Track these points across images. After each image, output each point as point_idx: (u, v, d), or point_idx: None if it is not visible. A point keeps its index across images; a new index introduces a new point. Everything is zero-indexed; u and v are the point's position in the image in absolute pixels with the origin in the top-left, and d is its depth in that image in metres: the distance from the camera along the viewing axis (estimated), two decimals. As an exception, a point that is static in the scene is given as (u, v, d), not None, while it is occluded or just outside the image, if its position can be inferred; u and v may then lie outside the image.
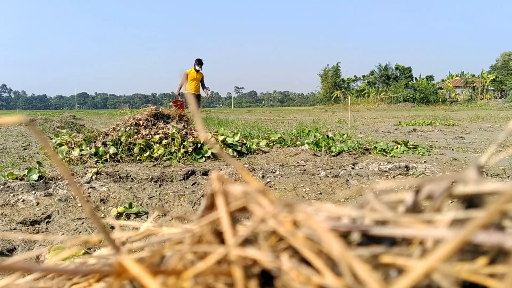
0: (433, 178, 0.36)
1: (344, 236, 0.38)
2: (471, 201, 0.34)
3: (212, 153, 4.75)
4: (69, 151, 4.71)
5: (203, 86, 12.56)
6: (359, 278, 0.30)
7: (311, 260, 0.33)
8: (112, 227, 2.14)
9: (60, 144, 4.90)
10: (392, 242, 0.36)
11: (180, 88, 12.23)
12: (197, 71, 11.92)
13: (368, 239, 0.37)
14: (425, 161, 4.51)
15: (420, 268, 0.27)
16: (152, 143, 4.84)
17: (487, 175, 3.74)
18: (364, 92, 51.88)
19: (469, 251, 0.34)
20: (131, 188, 3.25)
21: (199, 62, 12.07)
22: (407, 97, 44.58)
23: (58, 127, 8.77)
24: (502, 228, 0.34)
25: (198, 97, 12.46)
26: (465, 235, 0.27)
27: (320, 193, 3.17)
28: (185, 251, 0.35)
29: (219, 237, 0.36)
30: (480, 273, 0.31)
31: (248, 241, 0.37)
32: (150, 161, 4.52)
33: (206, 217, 0.37)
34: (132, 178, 3.58)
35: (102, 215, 2.61)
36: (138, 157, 4.62)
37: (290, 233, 0.34)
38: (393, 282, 0.29)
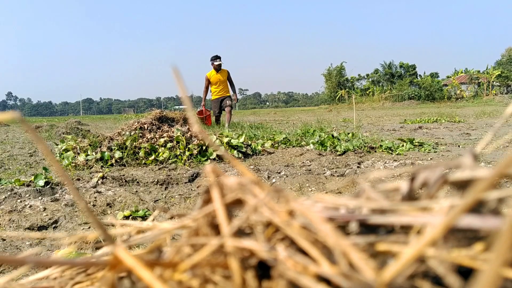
0: (428, 166, 0.36)
1: (342, 226, 0.38)
2: (467, 188, 0.34)
3: (218, 155, 4.76)
4: (75, 156, 4.73)
5: (232, 85, 10.62)
6: (354, 265, 0.30)
7: (307, 250, 0.33)
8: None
9: (66, 150, 4.93)
10: (389, 230, 0.36)
11: (204, 98, 10.60)
12: (217, 70, 10.16)
13: (366, 228, 0.37)
14: (431, 158, 4.48)
15: (408, 254, 0.27)
16: (157, 146, 4.85)
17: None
18: (368, 90, 51.75)
19: (467, 237, 0.33)
20: (137, 191, 3.26)
21: (214, 57, 10.16)
22: (412, 95, 44.40)
23: (63, 133, 8.81)
24: (498, 214, 0.34)
25: (226, 98, 10.50)
26: (449, 220, 0.27)
27: (326, 193, 3.16)
28: (182, 244, 0.35)
29: (216, 229, 0.37)
30: (477, 259, 0.31)
31: (245, 234, 0.37)
32: (156, 165, 4.53)
33: (202, 210, 0.37)
34: (138, 182, 3.59)
35: (108, 219, 2.62)
36: (143, 161, 4.64)
37: (285, 223, 0.34)
38: (385, 268, 0.29)
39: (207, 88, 10.51)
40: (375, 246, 0.34)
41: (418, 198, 0.36)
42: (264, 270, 0.35)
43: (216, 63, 10.13)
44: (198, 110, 10.54)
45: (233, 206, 0.38)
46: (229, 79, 10.59)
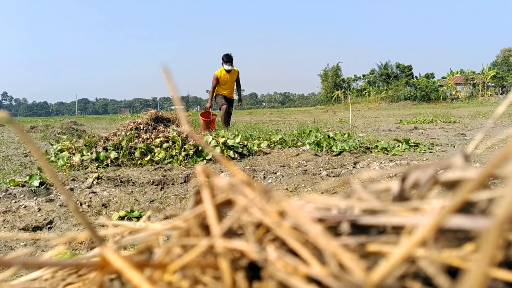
0: (419, 166, 0.36)
1: (333, 226, 0.38)
2: (457, 188, 0.34)
3: (214, 156, 4.75)
4: (70, 156, 4.71)
5: (238, 87, 9.80)
6: (344, 266, 0.30)
7: (297, 250, 0.32)
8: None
9: (61, 150, 4.90)
10: (380, 231, 0.36)
11: (211, 98, 9.44)
12: (227, 71, 9.23)
13: (357, 229, 0.37)
14: (426, 159, 4.50)
15: (397, 254, 0.27)
16: (153, 146, 4.84)
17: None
18: (364, 91, 51.88)
19: (458, 238, 0.33)
20: (132, 192, 3.25)
21: (228, 58, 9.18)
22: (408, 96, 44.53)
23: (59, 133, 8.78)
24: (489, 214, 0.34)
25: (231, 101, 9.75)
26: (437, 221, 0.27)
27: (322, 193, 3.16)
28: (172, 245, 0.35)
29: (206, 230, 0.36)
30: (467, 259, 0.31)
31: (236, 234, 0.37)
32: (151, 165, 4.52)
33: (193, 210, 0.37)
34: (133, 182, 3.58)
35: (102, 219, 2.61)
36: (139, 161, 4.62)
37: (276, 224, 0.34)
38: (375, 269, 0.29)
39: (214, 88, 9.43)
40: (366, 246, 0.34)
41: (409, 199, 0.36)
42: (254, 271, 0.34)
43: (225, 67, 9.23)
44: (203, 111, 9.48)
45: (224, 206, 0.38)
46: (237, 80, 9.70)
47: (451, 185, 0.34)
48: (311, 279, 0.31)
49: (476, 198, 0.32)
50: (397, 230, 0.35)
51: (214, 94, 9.61)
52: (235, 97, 10.00)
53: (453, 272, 0.33)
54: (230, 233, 0.35)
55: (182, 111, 0.37)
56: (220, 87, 9.47)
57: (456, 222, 0.30)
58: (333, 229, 0.37)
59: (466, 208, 0.33)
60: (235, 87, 9.84)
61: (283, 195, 0.36)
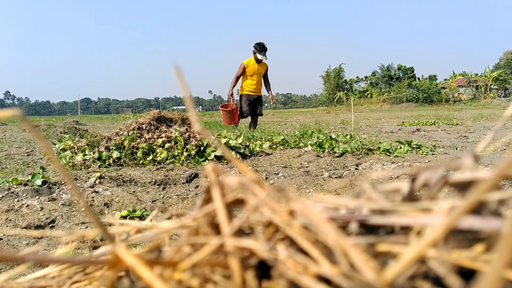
0: (429, 166, 0.36)
1: (343, 226, 0.38)
2: (467, 189, 0.34)
3: (216, 156, 4.75)
4: (73, 156, 4.72)
5: (266, 83, 8.83)
6: (355, 266, 0.30)
7: (307, 250, 0.32)
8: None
9: (64, 149, 4.91)
10: (389, 231, 0.36)
11: (232, 87, 8.49)
12: (258, 61, 8.29)
13: (366, 229, 0.37)
14: (429, 161, 4.49)
15: (409, 254, 0.27)
16: (155, 146, 4.84)
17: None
18: (367, 93, 51.86)
19: (468, 238, 0.33)
20: (134, 191, 3.25)
21: (262, 48, 8.23)
22: (410, 97, 44.48)
23: (61, 133, 8.80)
24: (499, 215, 0.34)
25: (259, 99, 8.79)
26: (450, 221, 0.27)
27: (324, 194, 3.16)
28: (182, 243, 0.35)
29: (216, 229, 0.37)
30: (478, 260, 0.31)
31: (245, 233, 0.37)
32: (153, 165, 4.52)
33: (202, 209, 0.37)
34: (135, 182, 3.58)
35: (106, 218, 2.61)
36: (141, 161, 4.62)
37: (286, 223, 0.34)
38: (386, 268, 0.29)
39: (238, 78, 8.48)
40: (376, 246, 0.34)
41: (419, 199, 0.36)
42: (264, 270, 0.35)
43: (259, 56, 8.21)
44: (224, 103, 8.75)
45: (234, 205, 0.38)
46: (265, 75, 8.80)
47: (462, 186, 0.34)
48: (321, 278, 0.31)
49: (486, 199, 0.32)
50: (406, 230, 0.35)
51: (240, 93, 8.81)
52: (263, 92, 9.02)
53: (463, 273, 0.33)
54: (240, 232, 0.35)
55: (193, 110, 0.37)
56: (247, 79, 8.49)
57: (467, 222, 0.30)
58: (342, 229, 0.37)
59: (476, 208, 0.33)
60: (263, 84, 8.90)
61: (293, 194, 0.36)
